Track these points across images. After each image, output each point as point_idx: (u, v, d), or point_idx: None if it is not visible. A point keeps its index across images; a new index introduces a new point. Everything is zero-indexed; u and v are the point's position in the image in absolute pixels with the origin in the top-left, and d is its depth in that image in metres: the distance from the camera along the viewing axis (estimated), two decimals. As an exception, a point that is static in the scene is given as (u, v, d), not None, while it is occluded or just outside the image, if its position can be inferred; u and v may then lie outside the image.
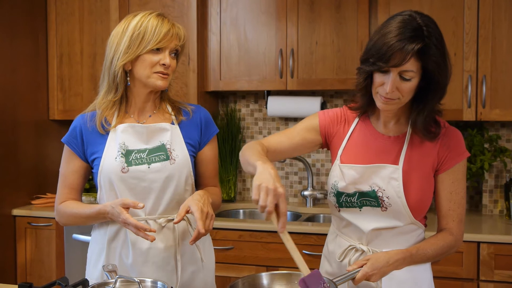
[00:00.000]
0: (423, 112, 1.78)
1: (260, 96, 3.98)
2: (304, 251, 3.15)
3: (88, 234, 3.53)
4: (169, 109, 2.15)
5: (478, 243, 2.96)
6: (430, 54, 1.68)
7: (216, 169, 2.22)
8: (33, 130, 3.87)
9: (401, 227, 1.86)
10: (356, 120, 1.96)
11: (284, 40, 3.53)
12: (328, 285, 1.61)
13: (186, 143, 2.11)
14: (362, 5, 3.39)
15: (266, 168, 1.61)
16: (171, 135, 2.08)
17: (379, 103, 1.79)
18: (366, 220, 1.88)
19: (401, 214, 1.83)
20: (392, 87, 1.71)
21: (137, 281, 1.67)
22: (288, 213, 3.56)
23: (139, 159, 2.03)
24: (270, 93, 3.85)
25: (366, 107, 1.90)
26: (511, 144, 3.54)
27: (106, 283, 1.72)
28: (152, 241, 1.87)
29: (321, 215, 3.68)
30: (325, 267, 2.03)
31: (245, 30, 3.61)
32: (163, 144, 2.06)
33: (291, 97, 3.75)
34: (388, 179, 1.83)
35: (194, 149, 2.14)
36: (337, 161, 1.93)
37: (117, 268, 1.81)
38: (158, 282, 1.73)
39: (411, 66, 1.68)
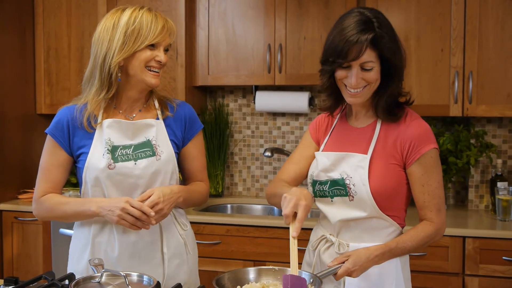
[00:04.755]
0: (384, 95, 1.88)
1: (248, 91, 3.98)
2: (291, 246, 3.16)
3: (75, 228, 3.53)
4: (156, 104, 2.14)
5: (464, 237, 2.98)
6: (383, 42, 1.79)
7: (203, 164, 2.22)
8: (20, 125, 3.85)
9: (369, 221, 1.90)
10: (336, 119, 2.06)
11: (272, 35, 3.54)
12: None
13: (170, 140, 2.11)
14: (350, 1, 3.39)
15: (299, 189, 1.78)
16: (157, 131, 2.08)
17: (347, 98, 1.89)
18: (335, 211, 1.93)
19: (366, 203, 1.87)
20: (356, 79, 1.82)
21: (123, 275, 1.67)
22: (276, 208, 3.57)
23: (125, 155, 2.02)
24: (258, 88, 3.85)
25: (335, 106, 2.01)
26: (497, 140, 3.56)
27: (92, 277, 1.72)
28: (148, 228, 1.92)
29: (312, 210, 3.68)
30: (306, 257, 2.10)
31: (234, 25, 3.61)
32: (148, 140, 2.06)
33: (279, 92, 3.75)
34: (356, 167, 1.88)
35: (178, 146, 2.14)
36: (316, 152, 2.03)
37: (104, 262, 1.82)
38: (144, 276, 1.74)
39: (369, 57, 1.79)
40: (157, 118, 2.11)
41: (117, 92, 2.06)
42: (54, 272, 1.91)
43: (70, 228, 3.53)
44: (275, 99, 3.74)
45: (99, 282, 1.70)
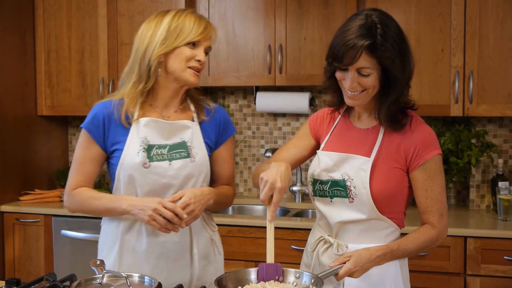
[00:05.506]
0: (385, 103, 1.84)
1: (248, 92, 3.98)
2: (292, 246, 3.16)
3: (76, 230, 3.53)
4: (192, 107, 2.14)
5: (465, 237, 2.98)
6: (382, 49, 1.73)
7: (231, 168, 2.22)
8: (21, 126, 3.85)
9: (367, 223, 1.89)
10: (340, 116, 2.03)
11: (272, 36, 3.54)
12: (282, 278, 1.68)
13: (204, 142, 2.11)
14: (350, 1, 3.39)
15: (277, 165, 1.79)
16: (192, 133, 2.08)
17: (346, 99, 1.87)
18: (335, 212, 1.93)
19: (365, 206, 1.86)
20: (351, 83, 1.79)
21: (124, 276, 1.67)
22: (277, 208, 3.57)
23: (160, 155, 2.02)
24: (258, 88, 3.86)
25: (339, 104, 1.98)
26: (498, 140, 3.56)
27: (93, 278, 1.72)
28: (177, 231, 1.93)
29: (310, 210, 3.69)
30: (304, 258, 2.09)
31: (234, 26, 3.61)
32: (184, 141, 2.06)
33: (279, 93, 3.75)
34: (358, 169, 1.88)
35: (210, 149, 2.14)
36: (318, 151, 2.01)
37: (105, 263, 1.82)
38: (145, 277, 1.73)
39: (365, 63, 1.75)
40: (193, 120, 2.11)
41: (154, 90, 2.07)
42: (55, 274, 1.91)
43: (72, 229, 3.54)
44: (275, 100, 3.74)
45: (100, 283, 1.70)
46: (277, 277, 1.68)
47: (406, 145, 1.86)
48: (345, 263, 1.76)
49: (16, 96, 3.80)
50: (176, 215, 1.89)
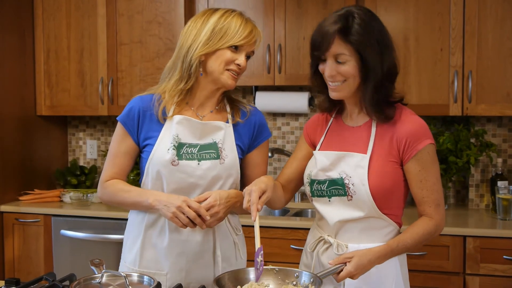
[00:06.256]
0: (366, 93, 1.86)
1: (248, 92, 3.98)
2: (291, 246, 3.16)
3: (76, 230, 3.54)
4: (228, 108, 2.14)
5: (464, 237, 2.99)
6: (356, 35, 1.78)
7: (264, 172, 2.19)
8: (20, 126, 3.85)
9: (366, 221, 1.89)
10: (332, 118, 2.05)
11: (271, 35, 3.54)
12: (261, 264, 1.72)
13: (237, 145, 2.10)
14: (349, 0, 3.40)
15: (261, 177, 1.89)
16: (224, 135, 2.07)
17: (330, 92, 1.91)
18: (333, 211, 1.93)
19: (364, 203, 1.86)
20: (330, 71, 1.84)
21: (123, 275, 1.67)
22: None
23: (189, 154, 2.02)
24: (258, 88, 3.86)
25: (330, 107, 2.03)
26: (497, 139, 3.57)
27: (92, 278, 1.72)
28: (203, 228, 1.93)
29: (309, 210, 3.70)
30: (303, 259, 2.09)
31: (233, 25, 3.60)
32: (215, 142, 2.05)
33: (279, 93, 3.75)
34: (355, 166, 1.88)
35: (243, 152, 2.13)
36: (314, 151, 2.02)
37: (104, 262, 1.82)
38: (145, 276, 1.74)
39: (341, 48, 1.80)
40: (227, 122, 2.10)
41: (192, 88, 2.06)
42: (55, 273, 1.91)
43: (71, 229, 3.55)
44: (275, 100, 3.74)
45: (99, 282, 1.70)
46: (258, 257, 1.72)
47: (397, 137, 1.87)
48: (345, 263, 1.76)
49: (15, 96, 3.80)
50: (199, 216, 1.89)
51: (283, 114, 3.93)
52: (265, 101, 3.74)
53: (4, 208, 3.69)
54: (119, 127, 2.10)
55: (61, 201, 3.85)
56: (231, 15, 2.00)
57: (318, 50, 1.84)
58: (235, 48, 2.00)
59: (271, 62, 3.53)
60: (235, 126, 2.12)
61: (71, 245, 3.58)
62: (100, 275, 1.72)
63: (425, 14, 3.31)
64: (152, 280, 1.70)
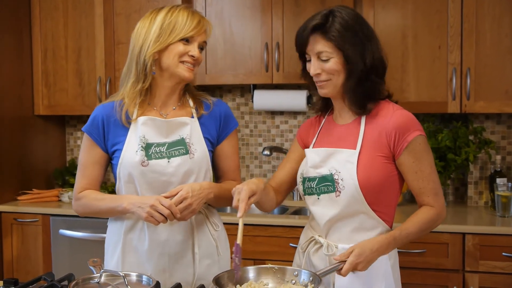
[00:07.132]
0: (348, 87, 1.88)
1: (246, 90, 3.98)
2: (290, 244, 3.16)
3: (75, 229, 3.53)
4: (191, 102, 2.14)
5: (464, 234, 2.98)
6: (331, 29, 1.84)
7: (236, 163, 2.22)
8: (18, 126, 3.84)
9: (356, 220, 1.89)
10: (324, 119, 2.07)
11: (269, 33, 3.53)
12: (238, 259, 1.74)
13: (205, 138, 2.11)
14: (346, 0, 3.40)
15: (251, 179, 1.87)
16: (191, 129, 2.08)
17: (318, 90, 1.94)
18: (322, 211, 1.93)
19: (353, 198, 1.86)
20: (314, 70, 1.88)
21: (122, 275, 1.67)
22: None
23: (158, 153, 2.03)
24: (256, 86, 3.85)
25: (324, 107, 2.06)
26: (496, 136, 3.56)
27: (91, 278, 1.72)
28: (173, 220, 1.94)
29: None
30: (296, 259, 2.09)
31: (231, 24, 3.60)
32: (182, 138, 2.06)
33: (277, 91, 3.75)
34: (345, 162, 1.89)
35: (212, 144, 2.14)
36: (306, 149, 2.04)
37: (103, 262, 1.81)
38: (143, 276, 1.74)
39: (322, 46, 1.85)
40: (192, 117, 2.11)
41: (151, 88, 2.07)
42: (53, 273, 1.91)
43: (70, 229, 3.54)
44: (273, 98, 3.73)
45: (98, 282, 1.70)
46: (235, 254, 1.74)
47: (386, 131, 1.87)
48: (345, 261, 1.74)
49: (13, 95, 3.79)
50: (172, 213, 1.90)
51: (281, 113, 3.93)
52: (263, 99, 3.74)
53: (2, 208, 3.69)
54: (85, 138, 2.11)
55: (60, 200, 3.84)
56: (177, 10, 2.02)
57: (299, 48, 1.90)
58: (187, 41, 2.02)
59: (269, 61, 3.53)
60: (200, 119, 2.12)
61: (69, 245, 3.57)
62: (98, 275, 1.72)
63: (423, 11, 3.31)
64: (151, 279, 1.70)
